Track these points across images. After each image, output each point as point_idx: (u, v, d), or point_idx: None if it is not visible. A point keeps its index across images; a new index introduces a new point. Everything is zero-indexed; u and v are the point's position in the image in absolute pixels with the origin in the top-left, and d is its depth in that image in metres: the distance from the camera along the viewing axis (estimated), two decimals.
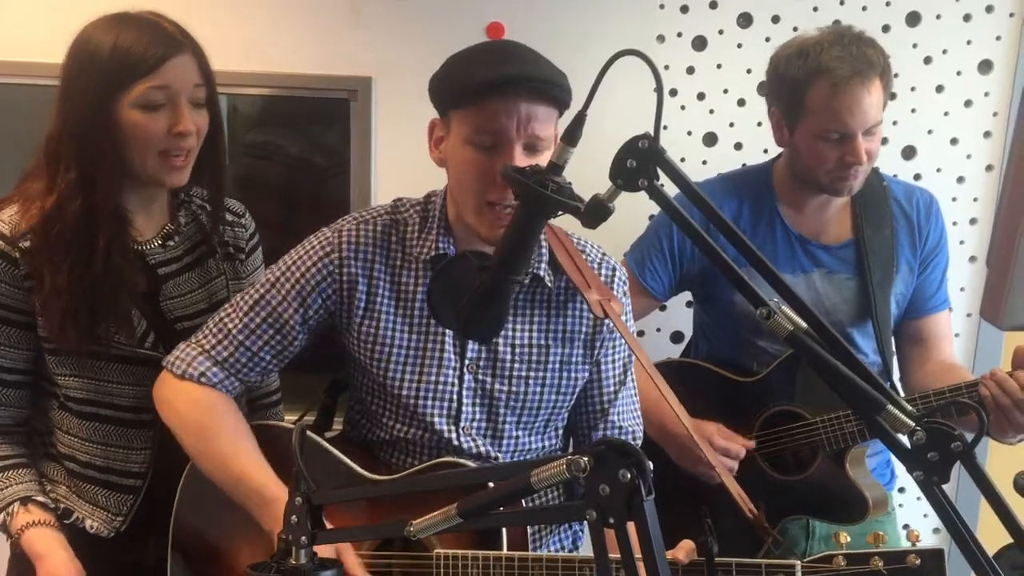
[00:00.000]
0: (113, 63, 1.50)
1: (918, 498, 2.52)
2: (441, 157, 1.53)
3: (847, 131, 1.79)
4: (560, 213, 1.13)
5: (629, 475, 0.82)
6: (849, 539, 1.32)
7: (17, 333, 1.58)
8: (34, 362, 1.63)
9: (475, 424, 1.57)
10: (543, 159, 1.38)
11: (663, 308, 2.37)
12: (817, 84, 1.80)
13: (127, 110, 1.52)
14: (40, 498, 1.57)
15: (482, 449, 1.57)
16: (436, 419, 1.55)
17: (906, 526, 2.14)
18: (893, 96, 2.28)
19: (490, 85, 1.40)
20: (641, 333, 2.44)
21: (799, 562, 1.32)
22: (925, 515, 2.51)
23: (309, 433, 1.54)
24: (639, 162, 1.06)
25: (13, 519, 1.53)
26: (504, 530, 1.44)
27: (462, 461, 1.53)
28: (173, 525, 1.60)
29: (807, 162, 1.88)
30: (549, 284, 1.57)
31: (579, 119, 1.11)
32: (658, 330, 2.48)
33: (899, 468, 2.19)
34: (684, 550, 1.38)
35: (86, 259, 1.54)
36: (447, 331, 1.56)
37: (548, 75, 1.43)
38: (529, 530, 1.50)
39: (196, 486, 1.58)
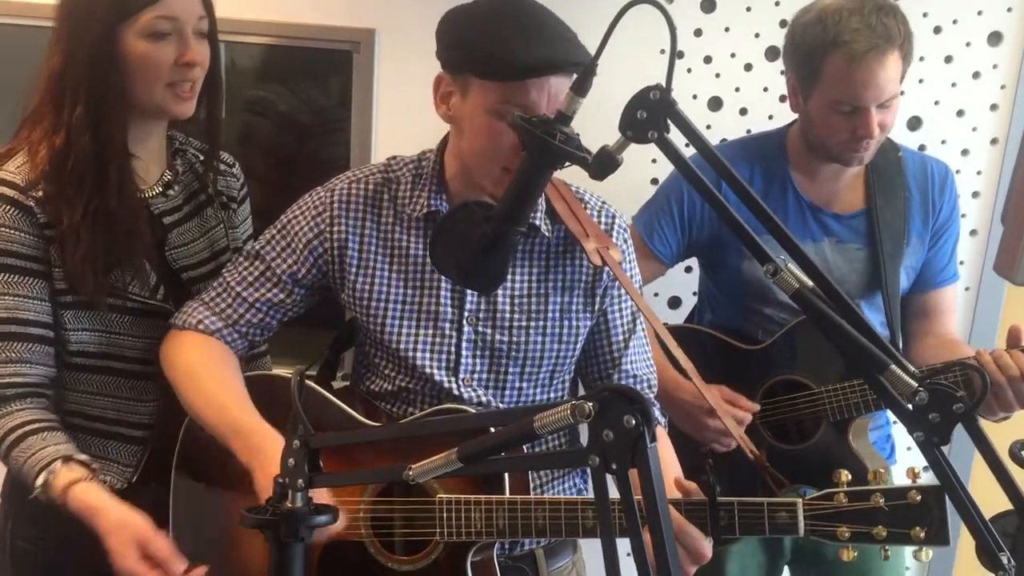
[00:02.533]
0: None
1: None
2: (450, 114, 1.49)
3: (860, 104, 1.77)
4: (567, 164, 1.11)
5: (634, 421, 0.82)
6: (850, 477, 1.33)
7: (40, 284, 1.55)
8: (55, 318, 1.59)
9: (476, 375, 1.57)
10: None
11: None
12: (833, 56, 1.76)
13: (133, 40, 1.50)
14: (80, 457, 1.51)
15: (484, 399, 1.57)
16: (434, 371, 1.56)
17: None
18: None
19: (533, 69, 1.36)
20: None
21: (800, 500, 1.33)
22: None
23: (309, 382, 1.55)
24: (649, 114, 1.05)
25: (56, 477, 1.46)
26: (507, 478, 1.44)
27: (463, 408, 1.53)
28: (174, 475, 1.61)
29: (819, 132, 1.86)
30: (547, 234, 1.57)
31: (589, 70, 1.09)
32: (656, 294, 2.47)
33: (898, 443, 2.19)
34: (688, 490, 1.38)
35: (101, 194, 1.52)
36: (443, 285, 1.56)
37: (583, 56, 1.37)
38: (532, 484, 1.50)
39: (195, 435, 1.58)
